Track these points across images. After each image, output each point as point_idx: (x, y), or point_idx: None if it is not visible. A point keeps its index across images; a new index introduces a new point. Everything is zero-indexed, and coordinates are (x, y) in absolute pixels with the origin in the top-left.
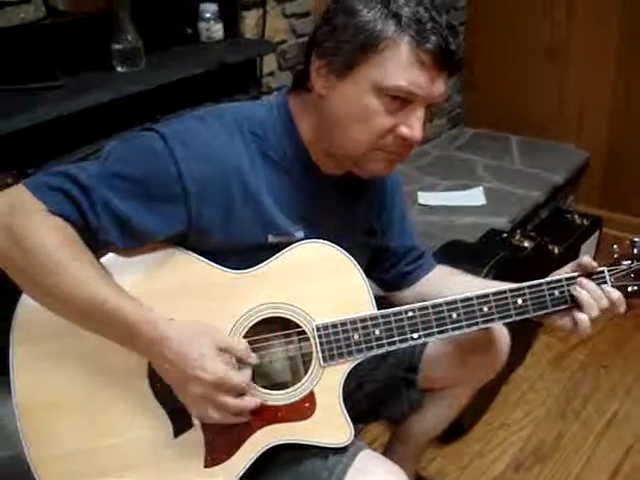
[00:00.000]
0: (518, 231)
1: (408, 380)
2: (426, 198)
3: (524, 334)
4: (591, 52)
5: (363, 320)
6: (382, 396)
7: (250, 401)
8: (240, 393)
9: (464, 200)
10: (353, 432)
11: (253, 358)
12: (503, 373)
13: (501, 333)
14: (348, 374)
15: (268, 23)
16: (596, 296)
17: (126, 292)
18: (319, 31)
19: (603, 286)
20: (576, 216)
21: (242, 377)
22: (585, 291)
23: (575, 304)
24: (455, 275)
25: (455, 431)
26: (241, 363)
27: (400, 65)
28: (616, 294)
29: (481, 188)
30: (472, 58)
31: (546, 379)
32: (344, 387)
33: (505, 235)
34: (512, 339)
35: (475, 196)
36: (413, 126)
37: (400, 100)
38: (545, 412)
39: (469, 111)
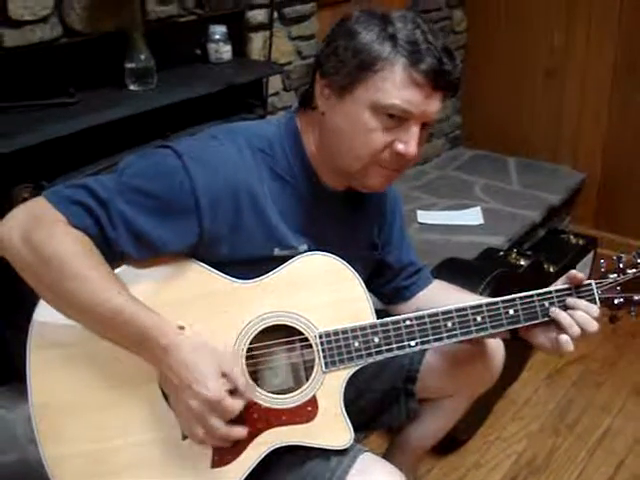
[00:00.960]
0: (514, 250)
1: (406, 390)
2: (425, 217)
3: (520, 351)
4: (588, 75)
5: (363, 328)
6: (381, 405)
7: (237, 431)
8: (229, 420)
9: (462, 219)
10: (353, 435)
11: (249, 392)
12: (499, 388)
13: (496, 346)
14: (348, 382)
15: (274, 45)
16: (582, 319)
17: (140, 301)
18: (322, 53)
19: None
20: (571, 236)
21: (237, 405)
22: (564, 313)
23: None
24: (451, 291)
25: (452, 443)
26: (237, 394)
27: (395, 85)
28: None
29: (479, 208)
30: (471, 80)
31: (541, 395)
32: (344, 396)
33: (502, 253)
34: (508, 355)
35: (473, 215)
36: (408, 143)
37: (396, 118)
38: (539, 426)
39: (468, 132)
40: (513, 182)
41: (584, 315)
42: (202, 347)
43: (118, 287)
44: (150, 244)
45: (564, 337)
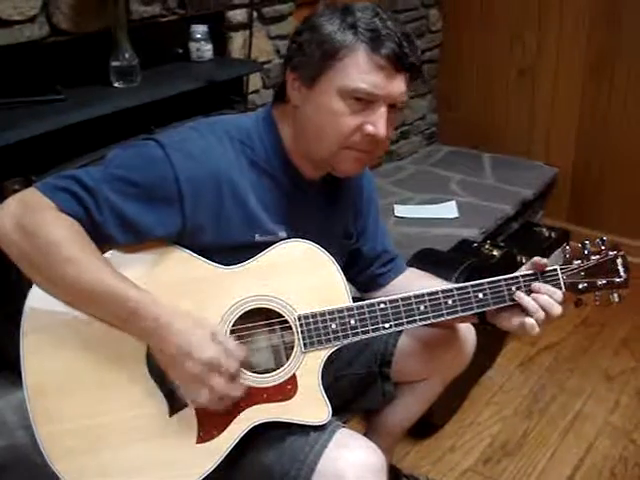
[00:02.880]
0: (488, 241)
1: (382, 373)
2: (402, 211)
3: (494, 339)
4: (559, 73)
5: (340, 311)
6: (358, 389)
7: (238, 387)
8: (231, 379)
9: (438, 213)
10: (331, 411)
11: (241, 352)
12: (474, 375)
13: (467, 331)
14: (327, 367)
15: (254, 44)
16: (546, 303)
17: (130, 280)
18: (290, 48)
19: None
20: (544, 229)
21: (233, 364)
22: (528, 297)
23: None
24: (424, 278)
25: (428, 428)
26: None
27: (359, 69)
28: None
29: (454, 202)
30: (447, 79)
31: (514, 381)
32: (323, 380)
33: (475, 245)
34: (483, 344)
35: (448, 209)
36: (377, 124)
37: (363, 101)
38: (513, 411)
39: (444, 129)
40: (488, 177)
41: (548, 299)
42: (190, 317)
43: (109, 268)
44: (135, 229)
45: (530, 320)
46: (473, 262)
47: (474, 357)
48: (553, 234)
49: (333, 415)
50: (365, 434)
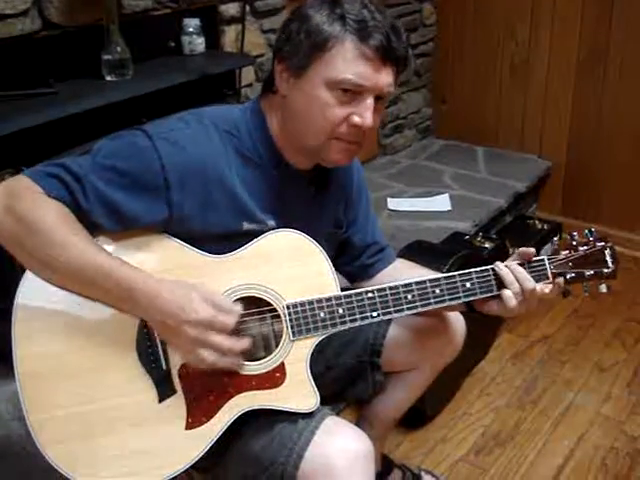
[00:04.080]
0: (480, 234)
1: (372, 363)
2: (395, 204)
3: (487, 331)
4: (552, 68)
5: (328, 300)
6: (349, 378)
7: (241, 342)
8: (230, 335)
9: (431, 206)
10: (319, 399)
11: (233, 307)
12: (467, 367)
13: (457, 321)
14: (317, 357)
15: (247, 37)
16: (520, 277)
17: (121, 258)
18: (279, 38)
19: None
20: (537, 222)
21: (229, 319)
22: (507, 269)
23: None
24: (413, 268)
25: (421, 418)
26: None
27: (346, 60)
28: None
29: (447, 195)
30: (441, 73)
31: (507, 373)
32: (314, 370)
33: (467, 237)
34: (476, 335)
35: (441, 202)
36: (364, 114)
37: (351, 92)
38: (505, 402)
39: (438, 123)
40: (481, 170)
41: (524, 271)
42: (181, 284)
43: (100, 248)
44: (122, 217)
45: (507, 292)
46: (465, 254)
47: (467, 349)
48: (546, 227)
49: (324, 405)
50: (356, 424)
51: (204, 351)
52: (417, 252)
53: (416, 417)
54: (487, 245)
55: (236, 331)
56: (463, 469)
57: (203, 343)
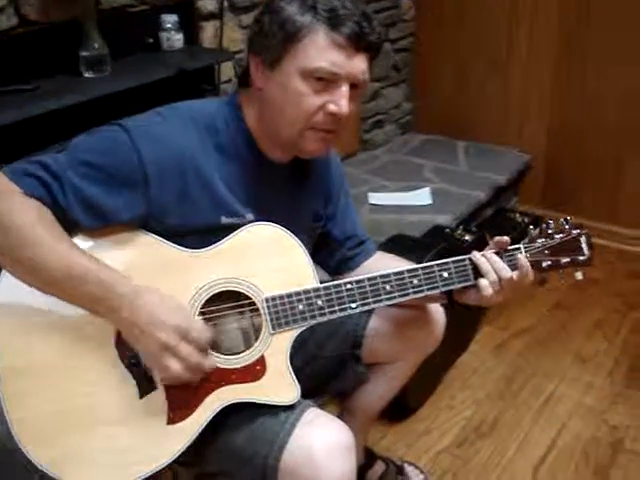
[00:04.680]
0: (461, 227)
1: (353, 355)
2: (376, 198)
3: (468, 324)
4: (531, 61)
5: (307, 292)
6: (331, 371)
7: (208, 358)
8: (200, 349)
9: (412, 200)
10: (300, 391)
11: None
12: (449, 359)
13: (437, 312)
14: (298, 350)
15: (225, 33)
16: (496, 266)
17: (98, 260)
18: (252, 32)
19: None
20: (517, 215)
21: (205, 332)
22: (483, 258)
23: None
24: (393, 260)
25: (403, 411)
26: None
27: (319, 49)
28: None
29: (428, 189)
30: (421, 67)
31: (488, 365)
32: (295, 364)
33: (448, 230)
34: (458, 328)
35: (422, 196)
36: (339, 102)
37: (325, 81)
38: (486, 394)
39: (419, 118)
40: (461, 164)
41: (500, 261)
42: (157, 290)
43: (76, 249)
44: (100, 213)
45: (483, 281)
46: (445, 246)
47: (448, 342)
48: (526, 219)
49: (307, 398)
50: (339, 416)
51: (171, 360)
52: (398, 245)
53: (399, 410)
54: (467, 238)
55: (213, 325)
56: (445, 460)
57: (173, 352)
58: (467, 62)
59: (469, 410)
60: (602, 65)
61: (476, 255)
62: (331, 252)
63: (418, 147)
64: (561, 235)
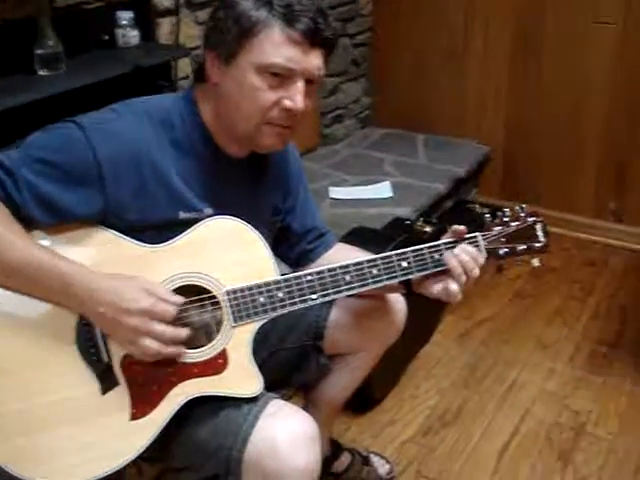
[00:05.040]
0: (421, 219)
1: (315, 347)
2: (337, 192)
3: (431, 314)
4: (487, 54)
5: (267, 284)
6: (293, 363)
7: (183, 330)
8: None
9: (372, 193)
10: (263, 384)
11: (172, 297)
12: (412, 350)
13: (397, 302)
14: (261, 343)
15: (182, 29)
16: (468, 266)
17: (58, 253)
18: (208, 27)
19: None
20: (477, 206)
21: (169, 307)
22: (455, 260)
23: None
24: (353, 251)
25: (368, 402)
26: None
27: (274, 45)
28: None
29: (388, 182)
30: (379, 62)
31: (451, 354)
32: (258, 357)
33: (408, 222)
34: (420, 319)
35: (383, 189)
36: (294, 98)
37: (280, 76)
38: (450, 383)
39: (378, 112)
40: (421, 157)
41: (471, 261)
42: (119, 275)
43: (36, 244)
44: (56, 210)
45: (452, 284)
46: (405, 238)
47: (412, 332)
48: (486, 210)
49: (271, 391)
50: (303, 408)
51: (146, 340)
52: (359, 238)
53: (363, 401)
54: (428, 229)
55: (177, 320)
56: (411, 450)
57: (145, 332)
58: (424, 56)
59: (433, 399)
60: (558, 56)
61: (449, 260)
62: (291, 245)
63: (378, 141)
64: (517, 223)
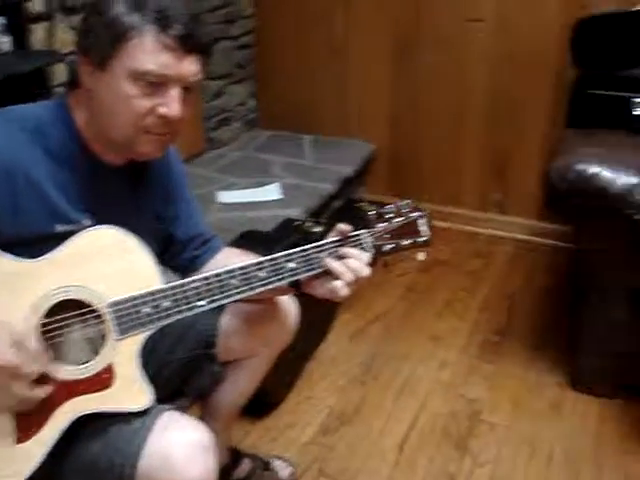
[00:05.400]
0: (310, 219)
1: (207, 355)
2: (225, 197)
3: (325, 314)
4: (369, 53)
5: (152, 294)
6: (186, 374)
7: (41, 390)
8: (33, 382)
9: (261, 196)
10: (153, 396)
11: (43, 356)
12: (307, 351)
13: (289, 304)
14: (150, 355)
15: (56, 35)
16: (353, 266)
17: None
18: (80, 32)
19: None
20: (365, 204)
21: (35, 368)
22: (336, 261)
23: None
24: (242, 255)
25: (266, 407)
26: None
27: (147, 51)
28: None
29: (277, 184)
30: (263, 64)
31: (347, 352)
32: (149, 371)
33: (297, 223)
34: (313, 320)
35: (272, 191)
36: (170, 105)
37: (155, 83)
38: (347, 381)
39: (264, 114)
40: (309, 158)
41: (355, 262)
42: None
43: None
44: None
45: (338, 283)
46: (295, 239)
47: (306, 333)
48: (374, 208)
49: (165, 403)
50: (200, 418)
51: (7, 398)
52: (249, 241)
53: (261, 406)
54: (317, 229)
55: (55, 337)
56: (312, 450)
57: (6, 390)
58: (308, 56)
59: (331, 398)
60: (437, 55)
61: (328, 260)
62: (177, 253)
63: (265, 143)
64: (401, 218)
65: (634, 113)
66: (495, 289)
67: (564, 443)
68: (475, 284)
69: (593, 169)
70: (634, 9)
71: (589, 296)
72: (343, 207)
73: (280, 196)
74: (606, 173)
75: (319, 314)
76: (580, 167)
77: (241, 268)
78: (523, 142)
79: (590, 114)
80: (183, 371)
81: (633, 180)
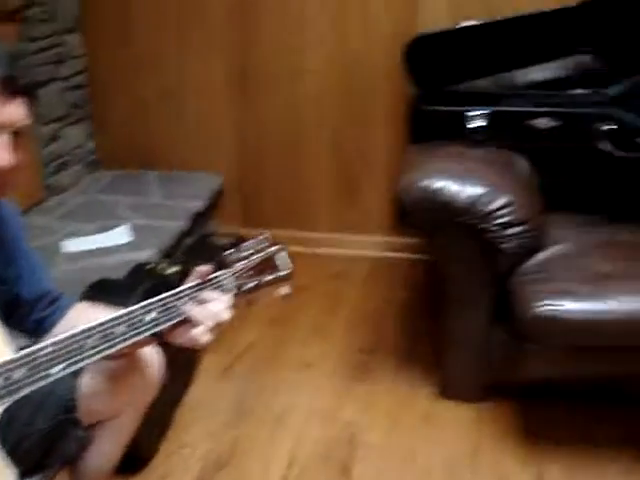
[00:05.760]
0: (163, 260)
1: (70, 420)
2: (70, 245)
3: (188, 357)
4: (207, 86)
5: (0, 366)
6: (49, 443)
7: None
8: None
9: (110, 240)
10: (17, 473)
11: None
12: (175, 399)
13: (152, 355)
14: (7, 430)
15: None
16: (213, 312)
17: None
18: None
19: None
20: (219, 237)
21: None
22: (196, 308)
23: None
24: (97, 310)
25: (137, 463)
26: None
27: None
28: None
29: (125, 226)
30: (99, 103)
31: (216, 392)
32: (8, 445)
33: (150, 266)
34: (176, 365)
35: (120, 235)
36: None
37: None
38: (220, 423)
39: (105, 155)
40: (156, 196)
41: (215, 306)
42: None
43: None
44: None
45: (199, 330)
46: (150, 285)
47: (171, 380)
48: (228, 241)
49: (29, 476)
50: None
51: None
52: (101, 292)
53: (133, 463)
54: (172, 270)
55: None
56: None
57: None
58: (143, 95)
59: (205, 444)
60: (272, 86)
61: (186, 309)
62: (25, 314)
63: (108, 184)
64: (260, 254)
65: (468, 126)
66: (358, 308)
67: (442, 452)
68: (337, 306)
69: (437, 184)
70: (457, 27)
71: (448, 305)
72: (197, 243)
73: (130, 238)
74: (450, 187)
75: (183, 358)
76: (424, 183)
77: (98, 326)
78: (369, 163)
79: (429, 129)
80: (45, 440)
81: (475, 192)
